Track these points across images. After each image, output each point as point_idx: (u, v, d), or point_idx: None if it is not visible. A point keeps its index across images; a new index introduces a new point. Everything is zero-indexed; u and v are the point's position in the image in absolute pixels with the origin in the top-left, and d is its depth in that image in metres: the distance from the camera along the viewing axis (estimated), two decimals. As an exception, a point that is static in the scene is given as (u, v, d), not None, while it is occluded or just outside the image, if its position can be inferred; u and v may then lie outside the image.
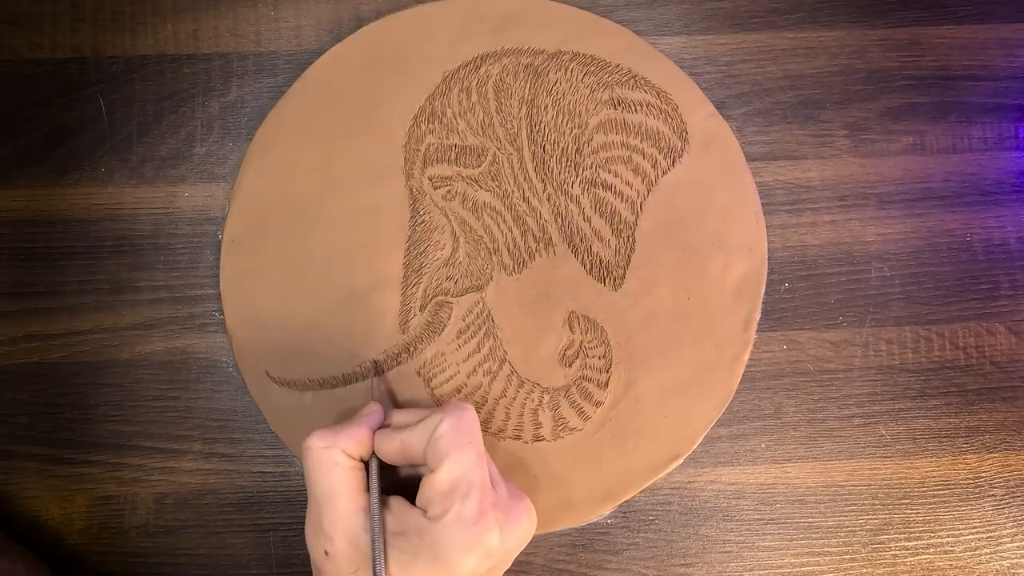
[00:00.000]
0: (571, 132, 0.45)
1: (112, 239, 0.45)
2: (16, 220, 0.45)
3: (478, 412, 0.43)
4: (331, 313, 0.44)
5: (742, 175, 0.46)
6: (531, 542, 0.43)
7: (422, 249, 0.45)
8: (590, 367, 0.44)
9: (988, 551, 0.44)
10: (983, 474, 0.45)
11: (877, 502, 0.44)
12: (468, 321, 0.44)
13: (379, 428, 0.38)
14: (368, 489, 0.36)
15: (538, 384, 0.44)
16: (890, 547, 0.44)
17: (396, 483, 0.39)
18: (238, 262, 0.45)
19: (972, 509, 0.44)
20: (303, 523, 0.37)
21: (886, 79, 0.48)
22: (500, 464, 0.43)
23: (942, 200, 0.47)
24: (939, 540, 0.44)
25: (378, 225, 0.45)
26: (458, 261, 0.45)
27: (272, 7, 0.48)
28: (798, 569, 0.44)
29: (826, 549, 0.44)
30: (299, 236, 0.45)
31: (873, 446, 0.45)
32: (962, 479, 0.45)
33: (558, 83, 0.46)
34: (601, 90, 0.46)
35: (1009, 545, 0.44)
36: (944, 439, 0.45)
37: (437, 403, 0.43)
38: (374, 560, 0.34)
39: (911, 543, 0.44)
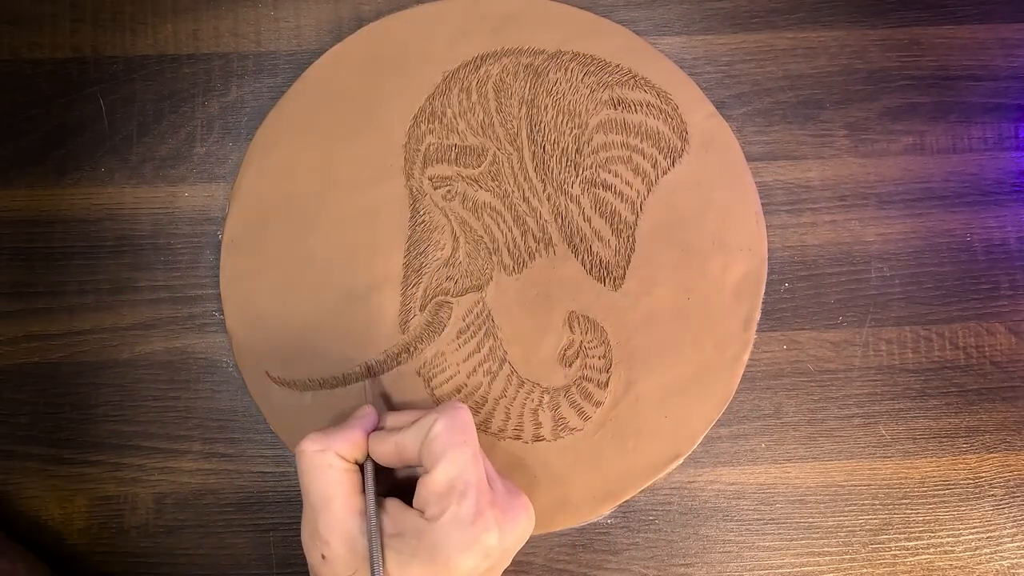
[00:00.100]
0: (571, 132, 0.45)
1: (112, 239, 0.45)
2: (16, 220, 0.45)
3: (478, 412, 0.43)
4: (331, 313, 0.44)
5: (742, 175, 0.46)
6: (531, 542, 0.43)
7: (422, 249, 0.45)
8: (590, 367, 0.44)
9: (988, 551, 0.44)
10: (983, 474, 0.45)
11: (877, 502, 0.44)
12: (468, 321, 0.44)
13: (374, 431, 0.38)
14: (363, 492, 0.36)
15: (538, 384, 0.44)
16: (890, 547, 0.44)
17: (392, 485, 0.39)
18: (238, 262, 0.45)
19: (972, 509, 0.44)
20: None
21: (886, 79, 0.48)
22: (500, 464, 0.43)
23: (942, 200, 0.47)
24: (939, 540, 0.44)
25: (378, 225, 0.45)
26: (458, 261, 0.45)
27: (272, 7, 0.48)
28: (798, 569, 0.44)
29: (826, 549, 0.44)
30: (299, 236, 0.45)
31: (873, 446, 0.45)
32: (962, 479, 0.45)
33: (558, 83, 0.46)
34: (601, 90, 0.46)
35: (1009, 545, 0.44)
36: (944, 439, 0.45)
37: (435, 404, 0.43)
38: (372, 562, 0.34)
39: (911, 543, 0.44)
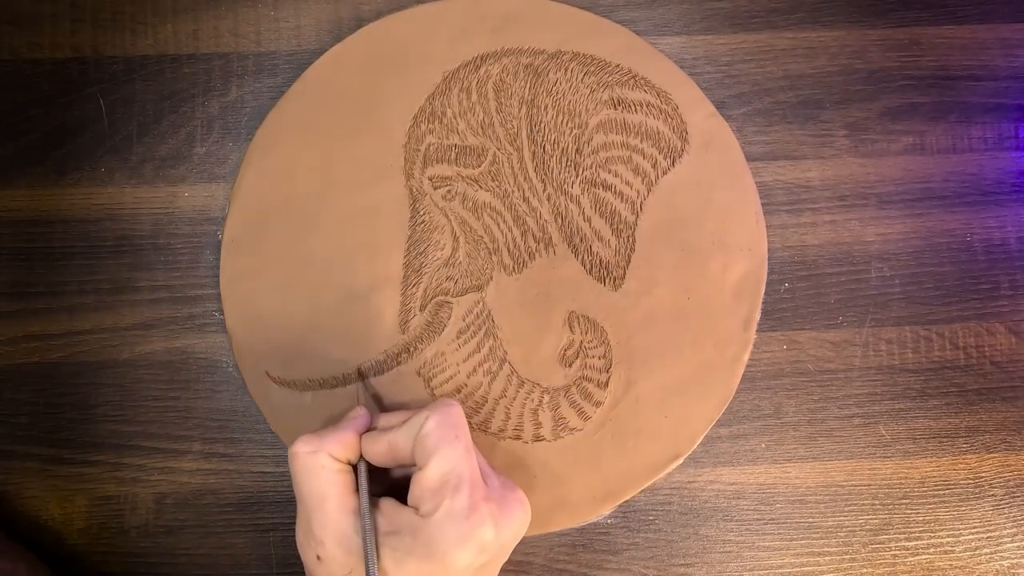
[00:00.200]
0: (571, 132, 0.45)
1: (112, 239, 0.45)
2: (16, 220, 0.45)
3: (478, 412, 0.43)
4: (331, 313, 0.44)
5: (742, 175, 0.46)
6: (531, 542, 0.43)
7: (422, 249, 0.45)
8: (590, 367, 0.44)
9: (988, 551, 0.44)
10: (983, 474, 0.45)
11: (877, 502, 0.44)
12: (468, 321, 0.44)
13: (366, 431, 0.38)
14: (357, 491, 0.36)
15: (538, 384, 0.44)
16: (890, 547, 0.44)
17: (387, 486, 0.39)
18: (238, 262, 0.45)
19: (972, 509, 0.44)
20: (303, 523, 0.37)
21: (886, 79, 0.48)
22: (500, 464, 0.43)
23: (942, 200, 0.47)
24: (939, 540, 0.44)
25: (378, 225, 0.45)
26: (458, 261, 0.45)
27: (272, 7, 0.48)
28: (798, 569, 0.44)
29: (826, 549, 0.44)
30: (299, 236, 0.45)
31: (873, 446, 0.45)
32: (962, 479, 0.45)
33: (558, 83, 0.46)
34: (601, 90, 0.46)
35: (1009, 545, 0.44)
36: (944, 439, 0.45)
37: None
38: (367, 561, 0.33)
39: (911, 543, 0.44)
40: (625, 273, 0.45)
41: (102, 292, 0.45)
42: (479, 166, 0.45)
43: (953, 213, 0.47)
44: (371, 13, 0.47)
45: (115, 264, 0.45)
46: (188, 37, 0.47)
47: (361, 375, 0.43)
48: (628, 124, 0.46)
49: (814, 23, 0.48)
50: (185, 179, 0.46)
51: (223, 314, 0.44)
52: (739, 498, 0.44)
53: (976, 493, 0.45)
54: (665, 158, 0.46)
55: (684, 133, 0.46)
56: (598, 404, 0.43)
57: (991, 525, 0.44)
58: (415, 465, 0.36)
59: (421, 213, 0.45)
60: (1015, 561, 0.44)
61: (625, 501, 0.43)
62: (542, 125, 0.45)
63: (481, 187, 0.45)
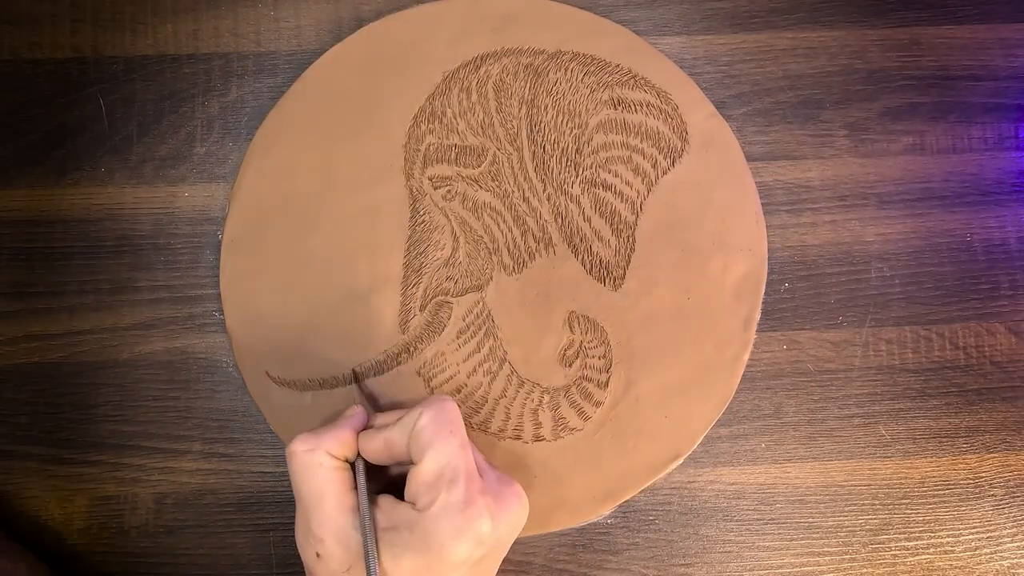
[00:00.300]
0: (571, 132, 0.45)
1: (112, 239, 0.45)
2: (16, 220, 0.45)
3: (478, 412, 0.43)
4: (331, 313, 0.44)
5: (742, 175, 0.46)
6: (531, 542, 0.43)
7: (422, 249, 0.45)
8: (590, 367, 0.44)
9: (988, 551, 0.44)
10: (983, 474, 0.45)
11: (877, 502, 0.44)
12: (468, 321, 0.44)
13: (363, 430, 0.38)
14: (355, 489, 0.36)
15: (538, 384, 0.44)
16: (890, 547, 0.44)
17: (384, 483, 0.39)
18: (238, 262, 0.45)
19: (972, 509, 0.44)
20: (303, 523, 0.37)
21: (886, 79, 0.48)
22: (500, 464, 0.43)
23: (942, 200, 0.47)
24: (939, 540, 0.44)
25: (378, 225, 0.45)
26: (458, 261, 0.45)
27: (272, 7, 0.48)
28: (798, 569, 0.44)
29: (826, 549, 0.44)
30: (299, 236, 0.45)
31: (873, 446, 0.45)
32: (962, 479, 0.45)
33: (558, 83, 0.46)
34: (601, 90, 0.46)
35: (1009, 545, 0.44)
36: (944, 439, 0.45)
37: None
38: (367, 557, 0.33)
39: (911, 543, 0.44)
40: (625, 273, 0.45)
41: (102, 292, 0.45)
42: (479, 166, 0.45)
43: (953, 213, 0.47)
44: (371, 13, 0.47)
45: (115, 264, 0.45)
46: (188, 37, 0.47)
47: (356, 377, 0.43)
48: (628, 124, 0.46)
49: (814, 23, 0.48)
50: (185, 179, 0.46)
51: (223, 314, 0.44)
52: (739, 498, 0.44)
53: (976, 493, 0.45)
54: (665, 158, 0.46)
55: (684, 133, 0.46)
56: (598, 404, 0.43)
57: (991, 525, 0.44)
58: (411, 461, 0.36)
59: (421, 213, 0.45)
60: (1015, 561, 0.44)
61: (625, 501, 0.43)
62: (542, 125, 0.45)
63: (481, 187, 0.45)
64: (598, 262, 0.45)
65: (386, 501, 0.36)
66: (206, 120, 0.46)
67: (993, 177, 0.47)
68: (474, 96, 0.46)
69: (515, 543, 0.43)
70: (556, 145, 0.45)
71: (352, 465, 0.37)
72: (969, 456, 0.45)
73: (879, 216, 0.46)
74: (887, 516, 0.44)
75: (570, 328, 0.44)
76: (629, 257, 0.45)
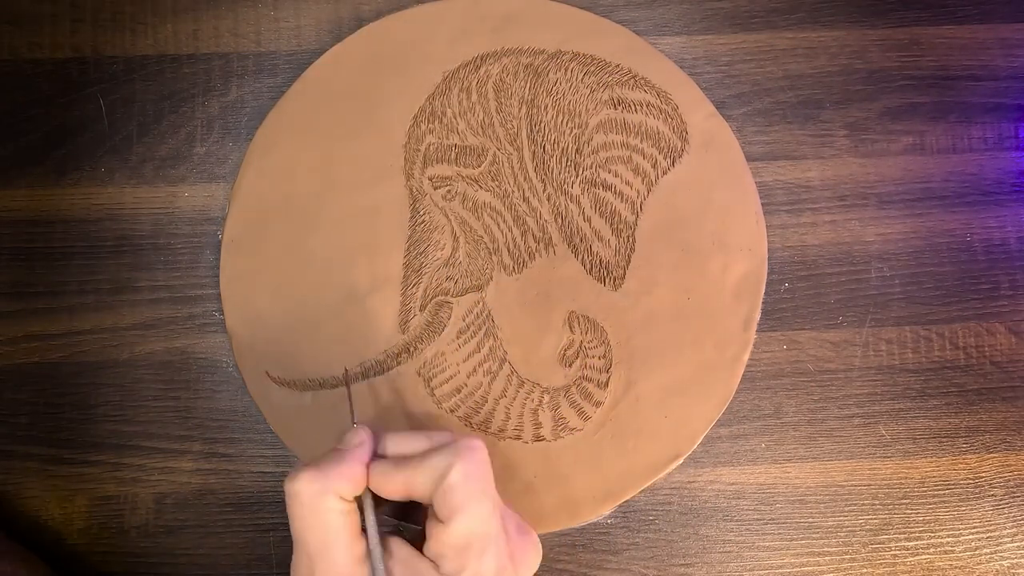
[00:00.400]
0: (571, 132, 0.45)
1: (112, 239, 0.45)
2: (16, 220, 0.45)
3: (478, 412, 0.43)
4: (331, 313, 0.44)
5: (742, 175, 0.46)
6: (531, 542, 0.43)
7: (422, 249, 0.45)
8: (590, 367, 0.44)
9: (988, 551, 0.44)
10: (983, 474, 0.45)
11: (877, 502, 0.44)
12: (468, 321, 0.44)
13: (373, 459, 0.35)
14: (363, 531, 0.33)
15: (538, 384, 0.44)
16: (890, 547, 0.44)
17: (389, 505, 0.37)
18: (238, 262, 0.45)
19: (972, 509, 0.44)
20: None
21: (886, 79, 0.48)
22: (500, 464, 0.43)
23: (942, 200, 0.47)
24: (939, 540, 0.44)
25: (378, 225, 0.45)
26: (458, 261, 0.45)
27: (272, 7, 0.48)
28: (798, 569, 0.44)
29: (826, 549, 0.44)
30: (299, 236, 0.45)
31: (873, 446, 0.45)
32: (962, 479, 0.45)
33: (558, 83, 0.46)
34: (601, 90, 0.46)
35: (1009, 545, 0.44)
36: (944, 439, 0.45)
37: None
38: None
39: (911, 543, 0.44)
40: (625, 273, 0.45)
41: (102, 292, 0.45)
42: (479, 166, 0.45)
43: (953, 213, 0.47)
44: (371, 13, 0.47)
45: (115, 264, 0.45)
46: (188, 37, 0.47)
47: (347, 378, 0.42)
48: (628, 124, 0.46)
49: (814, 23, 0.48)
50: (185, 179, 0.46)
51: (223, 314, 0.44)
52: (739, 498, 0.44)
53: (976, 493, 0.45)
54: (665, 158, 0.46)
55: (684, 133, 0.46)
56: (598, 404, 0.43)
57: (991, 525, 0.44)
58: (432, 508, 0.33)
59: (421, 213, 0.45)
60: (1015, 561, 0.44)
61: (625, 501, 0.43)
62: (542, 125, 0.45)
63: (481, 187, 0.45)
64: (598, 262, 0.45)
65: (402, 550, 0.33)
66: (206, 120, 0.46)
67: (993, 177, 0.47)
68: (474, 96, 0.46)
69: (515, 543, 0.43)
70: (556, 145, 0.45)
71: (358, 500, 0.34)
72: (969, 456, 0.45)
73: (879, 216, 0.46)
74: (887, 516, 0.44)
75: (570, 328, 0.44)
76: (629, 257, 0.45)
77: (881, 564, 0.44)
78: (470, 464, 0.33)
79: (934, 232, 0.46)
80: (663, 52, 0.47)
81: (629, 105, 0.46)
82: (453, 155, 0.45)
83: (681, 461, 0.43)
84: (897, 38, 0.48)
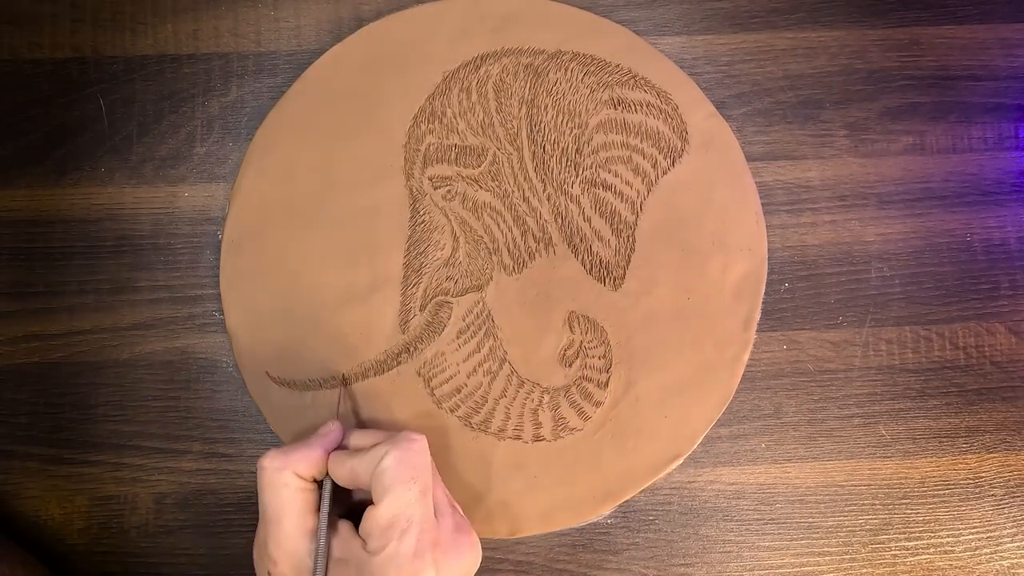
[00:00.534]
0: (571, 132, 0.45)
1: (112, 239, 0.45)
2: (16, 220, 0.45)
3: (478, 412, 0.43)
4: (331, 313, 0.44)
5: (742, 175, 0.46)
6: (531, 542, 0.43)
7: (422, 249, 0.45)
8: (590, 367, 0.44)
9: (988, 551, 0.44)
10: (983, 474, 0.45)
11: (877, 502, 0.44)
12: (468, 321, 0.44)
13: (336, 448, 0.38)
14: (317, 511, 0.36)
15: (538, 384, 0.44)
16: (890, 547, 0.44)
17: (351, 504, 0.39)
18: (238, 262, 0.45)
19: (972, 509, 0.44)
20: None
21: (886, 79, 0.48)
22: (499, 464, 0.43)
23: (942, 200, 0.47)
24: (939, 540, 0.44)
25: (378, 225, 0.45)
26: (458, 261, 0.45)
27: (272, 7, 0.48)
28: (798, 569, 0.44)
29: (826, 549, 0.44)
30: (299, 236, 0.45)
31: (873, 446, 0.45)
32: (962, 479, 0.45)
33: (558, 83, 0.46)
34: (601, 90, 0.46)
35: (1009, 545, 0.44)
36: (944, 439, 0.45)
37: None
38: None
39: (911, 543, 0.44)
40: (625, 273, 0.45)
41: (102, 292, 0.45)
42: (479, 166, 0.45)
43: (953, 213, 0.47)
44: (371, 13, 0.47)
45: (115, 264, 0.45)
46: (188, 37, 0.47)
47: (345, 382, 0.43)
48: (628, 124, 0.46)
49: (814, 23, 0.48)
50: (185, 179, 0.46)
51: (223, 314, 0.44)
52: (739, 498, 0.44)
53: (976, 493, 0.45)
54: (665, 158, 0.46)
55: (684, 133, 0.46)
56: (598, 404, 0.43)
57: (991, 525, 0.44)
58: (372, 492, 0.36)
59: (421, 213, 0.45)
60: (1015, 561, 0.44)
61: (625, 501, 0.43)
62: (542, 125, 0.45)
63: (481, 187, 0.45)
64: (598, 262, 0.45)
65: (346, 530, 0.36)
66: (206, 120, 0.46)
67: (993, 177, 0.47)
68: (474, 96, 0.46)
69: (515, 543, 0.43)
70: (556, 145, 0.45)
71: (320, 485, 0.37)
72: (969, 456, 0.45)
73: (879, 216, 0.46)
74: (887, 516, 0.44)
75: (570, 328, 0.44)
76: (629, 257, 0.45)
77: (881, 564, 0.44)
78: (404, 452, 0.36)
79: (934, 232, 0.46)
80: (663, 52, 0.47)
81: (629, 105, 0.46)
82: (453, 155, 0.45)
83: (681, 461, 0.44)
84: (897, 38, 0.48)
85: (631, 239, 0.45)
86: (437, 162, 0.45)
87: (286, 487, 0.36)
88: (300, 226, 0.45)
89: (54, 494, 0.44)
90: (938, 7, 0.48)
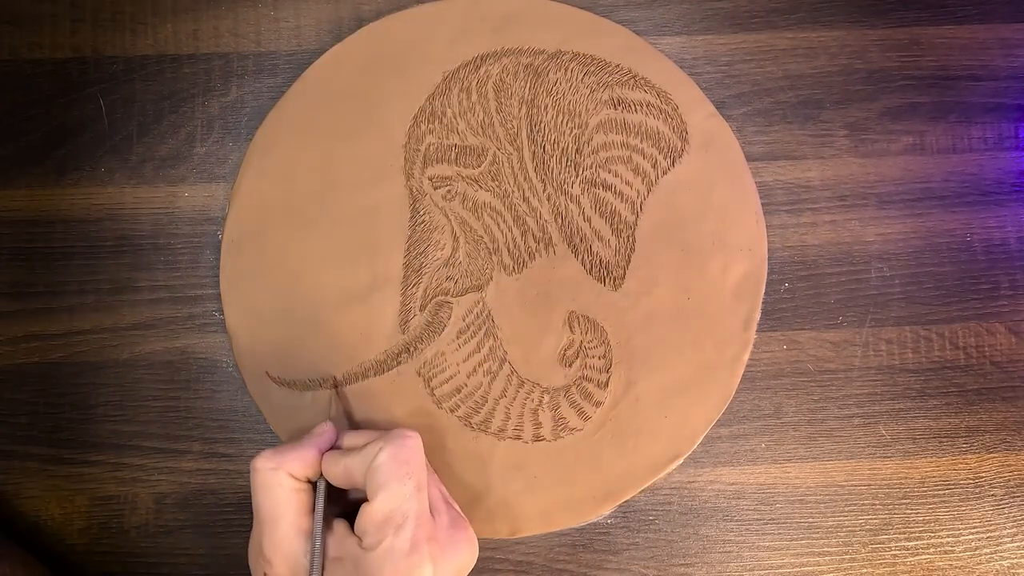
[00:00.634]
0: (571, 132, 0.45)
1: (112, 239, 0.45)
2: (16, 220, 0.45)
3: (478, 412, 0.43)
4: (331, 313, 0.44)
5: (742, 175, 0.46)
6: (531, 542, 0.43)
7: (422, 249, 0.45)
8: (590, 367, 0.44)
9: (988, 551, 0.44)
10: (983, 474, 0.45)
11: (877, 502, 0.44)
12: (468, 321, 0.44)
13: (330, 449, 0.38)
14: (312, 512, 0.36)
15: (538, 384, 0.44)
16: (890, 547, 0.44)
17: (345, 505, 0.39)
18: (238, 262, 0.45)
19: (972, 509, 0.44)
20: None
21: (886, 79, 0.48)
22: (499, 464, 0.43)
23: (942, 200, 0.47)
24: (939, 540, 0.44)
25: (378, 225, 0.45)
26: (458, 261, 0.45)
27: (272, 7, 0.48)
28: (798, 569, 0.44)
29: (826, 549, 0.44)
30: (299, 236, 0.45)
31: (873, 446, 0.45)
32: (962, 479, 0.45)
33: (558, 83, 0.46)
34: (601, 90, 0.46)
35: (1009, 545, 0.44)
36: (944, 439, 0.45)
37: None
38: None
39: (911, 543, 0.44)
40: (625, 273, 0.45)
41: (102, 292, 0.45)
42: (479, 166, 0.45)
43: (953, 213, 0.47)
44: (371, 13, 0.47)
45: (115, 264, 0.45)
46: (188, 37, 0.47)
47: (336, 385, 0.43)
48: (628, 124, 0.46)
49: (814, 23, 0.48)
50: (185, 179, 0.46)
51: (223, 314, 0.44)
52: (739, 498, 0.44)
53: (976, 493, 0.45)
54: (665, 158, 0.46)
55: (684, 133, 0.46)
56: (598, 404, 0.43)
57: (991, 525, 0.44)
58: (366, 490, 0.36)
59: (421, 213, 0.45)
60: (1015, 561, 0.44)
61: (625, 501, 0.43)
62: (542, 125, 0.45)
63: (481, 187, 0.45)
64: (598, 262, 0.45)
65: (341, 528, 0.36)
66: (206, 120, 0.46)
67: (993, 177, 0.47)
68: (474, 96, 0.46)
69: (515, 543, 0.43)
70: (556, 145, 0.45)
71: (314, 485, 0.37)
72: (969, 456, 0.45)
73: (879, 216, 0.46)
74: (887, 516, 0.44)
75: (570, 328, 0.44)
76: (629, 257, 0.45)
77: (881, 564, 0.44)
78: (398, 448, 0.36)
79: (934, 232, 0.46)
80: (663, 52, 0.47)
81: (629, 105, 0.46)
82: (453, 155, 0.45)
83: (681, 461, 0.44)
84: (897, 38, 0.48)
85: (631, 239, 0.45)
86: (437, 162, 0.45)
87: (280, 487, 0.36)
88: (300, 226, 0.45)
89: (54, 494, 0.44)
90: (938, 7, 0.48)
